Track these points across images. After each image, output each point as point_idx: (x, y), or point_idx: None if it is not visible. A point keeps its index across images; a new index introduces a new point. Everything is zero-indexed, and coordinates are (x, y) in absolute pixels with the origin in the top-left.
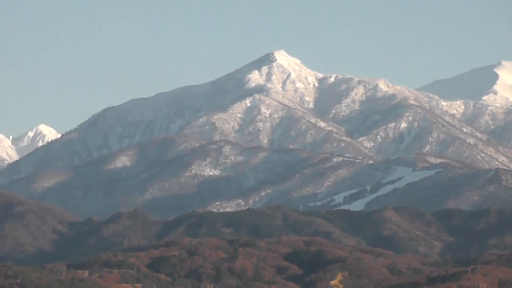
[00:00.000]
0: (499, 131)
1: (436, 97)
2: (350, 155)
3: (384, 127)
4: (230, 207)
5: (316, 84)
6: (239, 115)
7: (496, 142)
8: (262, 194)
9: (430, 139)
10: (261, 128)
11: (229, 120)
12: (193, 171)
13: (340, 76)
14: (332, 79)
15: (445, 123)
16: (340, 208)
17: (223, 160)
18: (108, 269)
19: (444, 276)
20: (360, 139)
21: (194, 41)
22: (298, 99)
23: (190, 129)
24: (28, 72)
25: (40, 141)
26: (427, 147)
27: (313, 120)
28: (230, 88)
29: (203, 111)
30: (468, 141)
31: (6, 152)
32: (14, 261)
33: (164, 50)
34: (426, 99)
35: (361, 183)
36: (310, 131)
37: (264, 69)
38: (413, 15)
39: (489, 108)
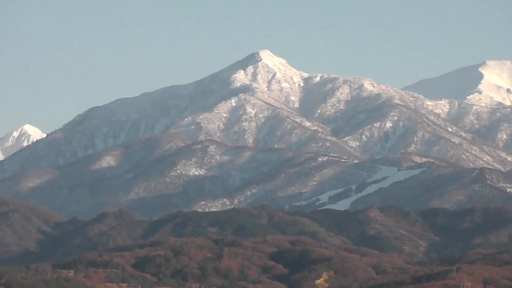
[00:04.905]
0: (483, 131)
1: (421, 96)
2: (336, 155)
3: (369, 126)
4: (215, 206)
5: (302, 84)
6: (225, 115)
7: (480, 141)
8: (248, 193)
9: (415, 139)
10: (246, 128)
11: (214, 120)
12: (178, 171)
13: (326, 76)
14: (318, 78)
15: (430, 123)
16: (325, 207)
17: (208, 160)
18: (94, 269)
19: (429, 275)
20: (346, 138)
21: (179, 41)
22: (284, 98)
23: (175, 129)
24: (13, 72)
25: (25, 141)
26: (412, 147)
27: (298, 120)
28: (216, 88)
29: (188, 111)
30: (453, 140)
31: None
32: None
33: (149, 50)
34: (411, 98)
35: (346, 182)
36: (295, 131)
37: (250, 69)
38: (398, 15)
39: (474, 107)
